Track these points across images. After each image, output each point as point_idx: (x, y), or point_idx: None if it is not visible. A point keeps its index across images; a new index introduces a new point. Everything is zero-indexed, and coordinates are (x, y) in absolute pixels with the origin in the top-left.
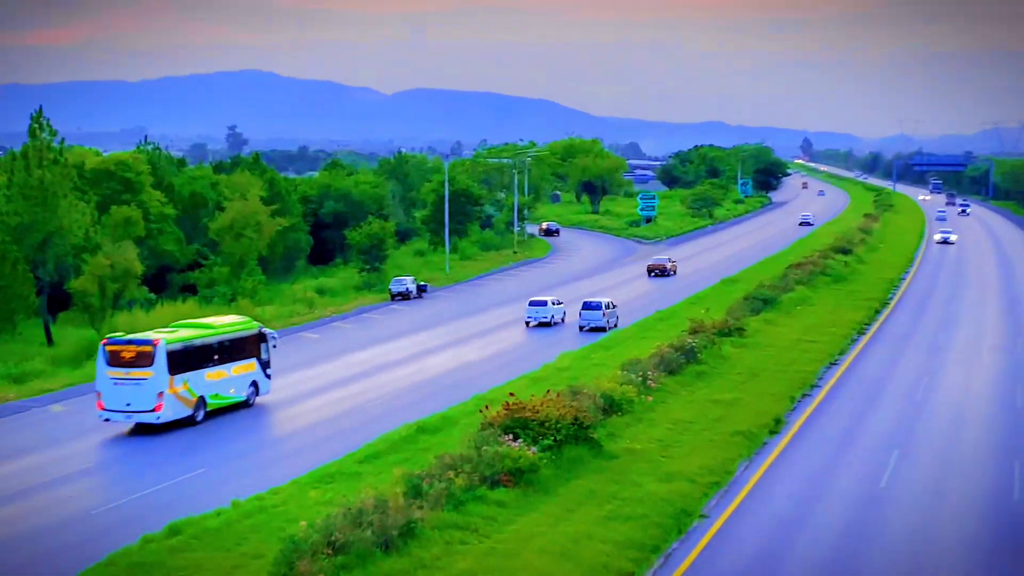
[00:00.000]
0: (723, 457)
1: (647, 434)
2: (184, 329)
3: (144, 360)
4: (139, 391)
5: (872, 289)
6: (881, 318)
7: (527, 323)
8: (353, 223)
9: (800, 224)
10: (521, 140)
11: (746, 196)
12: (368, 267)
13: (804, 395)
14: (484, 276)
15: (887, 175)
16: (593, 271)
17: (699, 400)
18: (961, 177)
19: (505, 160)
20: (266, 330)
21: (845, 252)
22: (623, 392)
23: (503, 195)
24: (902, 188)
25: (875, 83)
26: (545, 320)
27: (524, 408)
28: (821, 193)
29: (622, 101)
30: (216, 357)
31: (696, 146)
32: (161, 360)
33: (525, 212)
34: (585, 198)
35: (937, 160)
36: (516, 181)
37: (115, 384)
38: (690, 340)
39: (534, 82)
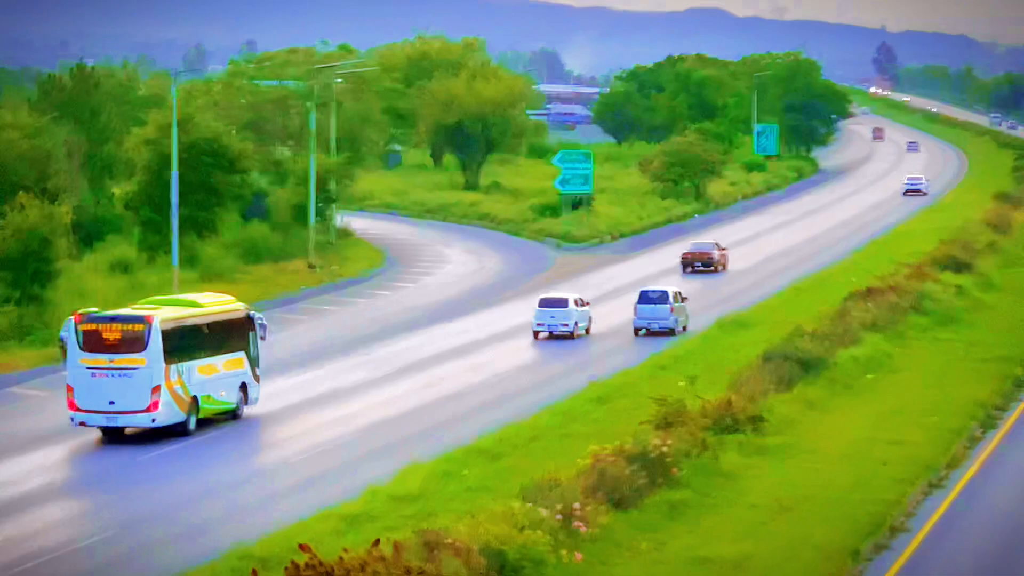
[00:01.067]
0: None
1: None
2: (166, 307)
3: (134, 343)
4: (127, 385)
5: (1008, 341)
6: None
7: (535, 334)
8: None
9: (906, 193)
10: (324, 42)
11: (768, 156)
12: (19, 295)
13: (880, 547)
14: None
15: None
16: (462, 306)
17: (673, 559)
18: None
19: (291, 83)
20: (255, 314)
21: (958, 268)
22: (525, 543)
23: (288, 153)
24: None
25: None
26: (565, 331)
27: None
28: (912, 147)
29: None
30: (206, 346)
31: (670, 57)
32: (156, 343)
33: (332, 188)
34: (451, 159)
35: None
36: (314, 125)
37: (93, 376)
38: (657, 441)
39: None
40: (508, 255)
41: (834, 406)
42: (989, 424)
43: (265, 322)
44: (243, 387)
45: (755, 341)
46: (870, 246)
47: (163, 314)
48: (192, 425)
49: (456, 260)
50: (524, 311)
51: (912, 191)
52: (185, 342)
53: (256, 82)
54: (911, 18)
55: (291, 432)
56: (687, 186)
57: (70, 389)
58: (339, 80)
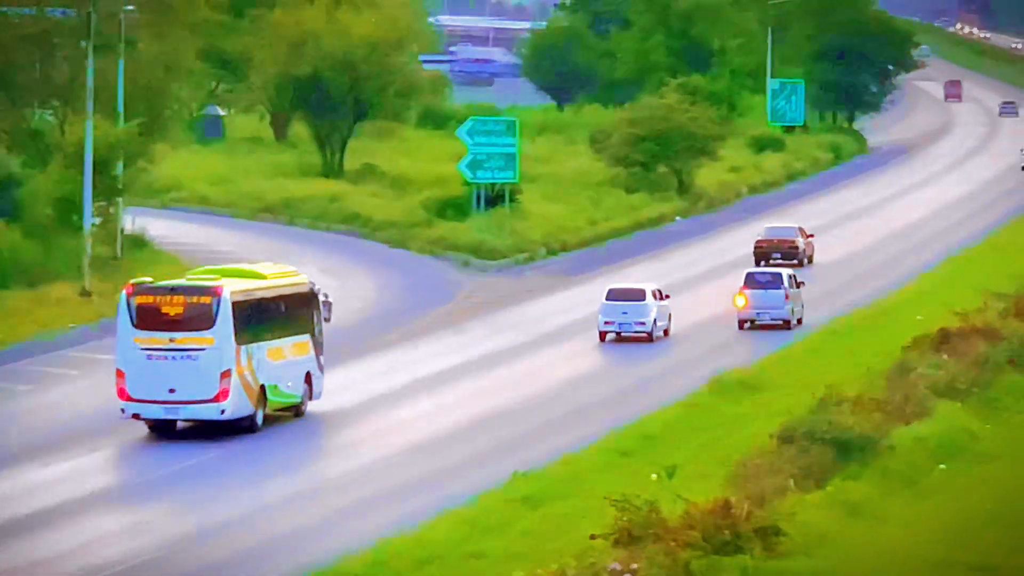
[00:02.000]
0: None
1: None
2: (229, 278)
3: (201, 319)
4: (191, 369)
5: None
6: None
7: (602, 335)
8: None
9: None
10: None
11: (790, 127)
12: None
13: None
14: None
15: None
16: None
17: None
18: None
19: (58, 12)
20: (319, 289)
21: None
22: None
23: (51, 119)
24: None
25: None
26: (642, 331)
27: None
28: (1008, 110)
29: None
30: (275, 325)
31: None
32: (226, 319)
33: (119, 174)
34: (302, 130)
35: None
36: (92, 76)
37: (149, 359)
38: (618, 565)
39: None
40: (389, 278)
41: (890, 512)
42: None
43: (330, 300)
44: (307, 377)
45: (767, 412)
46: (946, 266)
47: (233, 285)
48: (260, 420)
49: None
50: (417, 362)
51: None
52: (255, 320)
53: (3, 10)
54: None
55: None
56: (665, 173)
57: (121, 375)
58: (131, 8)
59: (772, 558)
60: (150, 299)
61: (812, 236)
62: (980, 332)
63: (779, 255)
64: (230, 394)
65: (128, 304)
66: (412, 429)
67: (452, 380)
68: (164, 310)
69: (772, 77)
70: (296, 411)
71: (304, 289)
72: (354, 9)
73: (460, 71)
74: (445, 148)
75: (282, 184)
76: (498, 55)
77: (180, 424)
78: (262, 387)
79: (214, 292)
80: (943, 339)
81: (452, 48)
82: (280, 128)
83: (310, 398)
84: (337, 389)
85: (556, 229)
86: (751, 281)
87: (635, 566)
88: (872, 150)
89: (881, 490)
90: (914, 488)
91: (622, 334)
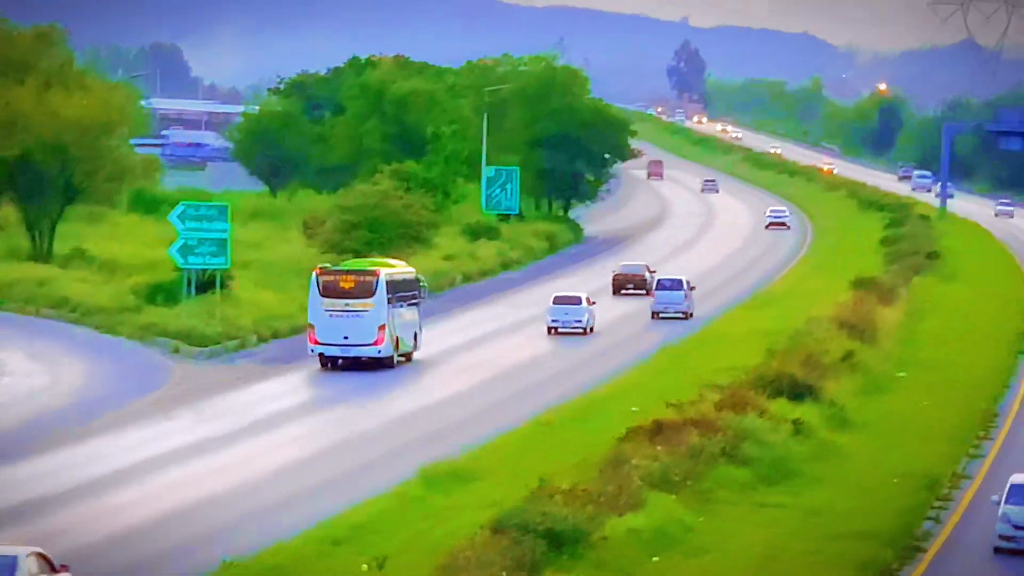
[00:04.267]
0: None
1: None
2: (380, 266)
3: (365, 291)
4: (359, 323)
5: (868, 508)
6: None
7: (549, 330)
8: None
9: (768, 226)
10: None
11: (505, 215)
12: None
13: None
14: None
15: (925, 157)
16: (23, 442)
17: None
18: None
19: None
20: (421, 276)
21: (797, 394)
22: None
23: None
24: (967, 204)
25: None
26: (579, 327)
27: None
28: (710, 187)
29: None
30: (403, 297)
31: (354, 60)
32: (382, 291)
33: None
34: (11, 213)
35: None
36: None
37: (331, 316)
38: None
39: None
40: (98, 364)
41: None
42: None
43: (426, 284)
44: (415, 335)
45: (479, 503)
46: (660, 356)
47: (384, 269)
48: (395, 361)
49: (15, 370)
50: (129, 448)
51: (776, 223)
52: (394, 292)
53: None
54: (727, 10)
55: None
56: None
57: (312, 327)
58: None
59: None
60: (332, 277)
61: (655, 272)
62: (694, 423)
63: (632, 286)
64: (384, 341)
65: (317, 280)
66: (123, 511)
67: (161, 467)
68: (341, 284)
69: (487, 164)
70: (407, 357)
71: (414, 276)
72: (65, 91)
73: (172, 155)
74: (156, 232)
75: None
76: (211, 139)
77: (339, 361)
78: (396, 338)
79: (375, 274)
80: (657, 430)
81: (164, 131)
82: None
83: (415, 349)
84: (52, 472)
85: (267, 316)
86: (661, 284)
87: None
88: (588, 239)
89: None
90: None
91: (560, 329)
